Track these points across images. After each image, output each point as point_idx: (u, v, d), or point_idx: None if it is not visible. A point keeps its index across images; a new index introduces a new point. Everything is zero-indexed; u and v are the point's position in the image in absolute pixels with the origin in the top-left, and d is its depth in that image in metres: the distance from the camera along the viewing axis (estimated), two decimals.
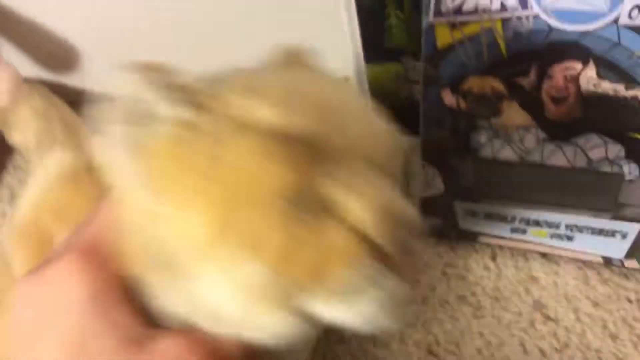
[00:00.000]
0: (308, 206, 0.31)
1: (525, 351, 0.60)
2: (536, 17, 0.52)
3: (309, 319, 0.34)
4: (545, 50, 0.53)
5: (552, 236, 0.63)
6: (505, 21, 0.53)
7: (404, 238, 0.33)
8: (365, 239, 0.32)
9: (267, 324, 0.34)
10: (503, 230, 0.65)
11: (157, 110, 0.31)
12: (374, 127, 0.39)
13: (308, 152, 0.31)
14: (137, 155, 0.31)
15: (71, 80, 0.92)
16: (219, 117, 0.31)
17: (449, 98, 0.59)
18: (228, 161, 0.30)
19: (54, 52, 0.88)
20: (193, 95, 0.32)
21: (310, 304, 0.33)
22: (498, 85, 0.56)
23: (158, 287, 0.33)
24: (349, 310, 0.33)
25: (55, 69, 0.91)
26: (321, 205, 0.32)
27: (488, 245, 0.67)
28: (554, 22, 0.52)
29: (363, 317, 0.34)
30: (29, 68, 0.89)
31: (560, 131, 0.57)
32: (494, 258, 0.67)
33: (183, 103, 0.31)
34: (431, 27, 0.56)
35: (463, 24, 0.55)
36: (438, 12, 0.55)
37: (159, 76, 0.31)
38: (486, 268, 0.66)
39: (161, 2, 0.80)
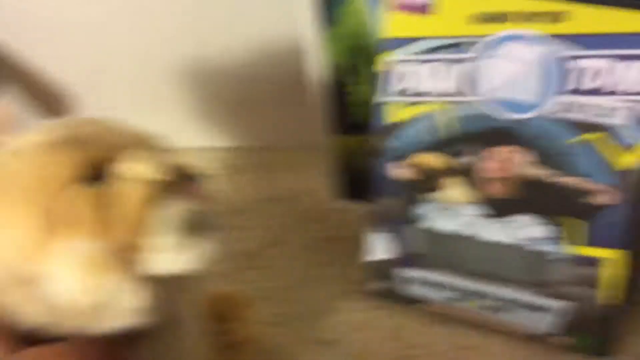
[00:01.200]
0: (96, 180, 0.41)
1: None
2: (475, 103, 0.58)
3: (150, 279, 0.41)
4: (484, 134, 0.59)
5: (481, 308, 0.67)
6: (448, 105, 0.59)
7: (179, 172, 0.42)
8: (147, 184, 0.41)
9: (117, 296, 0.40)
10: (443, 297, 0.69)
11: None
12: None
13: (79, 146, 0.41)
14: None
15: None
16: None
17: (395, 171, 0.65)
18: (20, 171, 0.40)
19: (50, 98, 0.94)
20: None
21: (141, 260, 0.40)
22: (438, 162, 0.62)
23: (17, 307, 0.41)
24: (170, 247, 0.41)
25: (50, 114, 0.97)
26: (107, 177, 0.41)
27: (428, 311, 0.71)
28: (492, 110, 0.58)
29: (183, 248, 0.41)
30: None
31: (495, 209, 0.62)
32: (431, 324, 0.71)
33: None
34: (380, 104, 0.62)
35: (410, 104, 0.61)
36: (387, 92, 0.61)
37: None
38: (423, 333, 0.70)
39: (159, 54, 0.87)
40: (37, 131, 0.43)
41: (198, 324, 0.53)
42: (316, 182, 0.90)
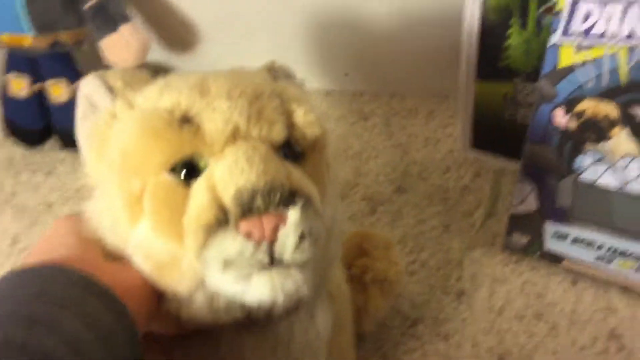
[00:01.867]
0: (189, 173, 0.38)
1: None
2: None
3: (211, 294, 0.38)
4: None
5: (638, 269, 0.64)
6: (630, 49, 0.55)
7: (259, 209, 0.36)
8: (222, 208, 0.36)
9: (188, 298, 0.39)
10: (588, 256, 0.66)
11: (100, 107, 0.42)
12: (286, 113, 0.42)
13: (189, 130, 0.38)
14: (86, 140, 0.42)
15: (185, 63, 0.97)
16: (131, 107, 0.41)
17: (560, 117, 0.61)
18: (123, 139, 0.39)
19: (177, 32, 0.94)
20: (123, 93, 0.42)
21: (202, 271, 0.37)
22: (612, 111, 0.59)
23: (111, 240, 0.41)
24: (228, 279, 0.36)
25: (175, 49, 0.96)
26: (196, 175, 0.38)
27: (570, 270, 0.68)
28: None
29: (242, 284, 0.37)
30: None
31: None
32: (574, 283, 0.68)
33: (113, 99, 0.41)
34: (556, 46, 0.58)
35: (589, 47, 0.57)
36: (566, 32, 0.58)
37: (106, 80, 0.42)
38: (565, 291, 0.68)
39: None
40: (156, 92, 0.41)
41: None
42: (451, 131, 0.87)
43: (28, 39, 0.80)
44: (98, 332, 0.33)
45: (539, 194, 0.66)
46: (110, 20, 0.79)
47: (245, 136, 0.39)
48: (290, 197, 0.36)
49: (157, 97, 0.40)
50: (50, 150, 0.89)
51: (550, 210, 0.66)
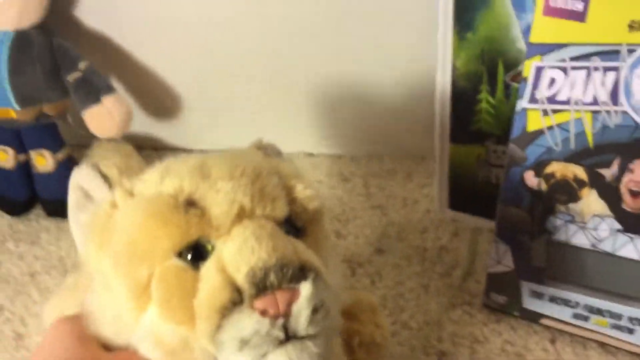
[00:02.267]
0: (195, 256, 0.38)
1: None
2: (624, 113, 0.57)
3: None
4: (629, 145, 0.57)
5: (613, 327, 0.65)
6: (595, 114, 0.58)
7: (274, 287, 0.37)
8: (236, 288, 0.36)
9: None
10: (565, 315, 0.67)
11: (96, 197, 0.42)
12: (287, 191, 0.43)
13: (195, 214, 0.38)
14: (84, 229, 0.42)
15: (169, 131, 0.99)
16: (132, 195, 0.41)
17: (530, 180, 0.63)
18: (128, 227, 0.39)
19: (160, 98, 0.96)
20: (120, 182, 0.42)
21: (216, 353, 0.37)
22: (581, 172, 0.61)
23: (111, 338, 0.42)
24: (245, 359, 0.36)
25: (159, 114, 0.98)
26: (203, 258, 0.38)
27: (548, 327, 0.69)
28: None
29: None
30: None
31: (634, 224, 0.60)
32: (553, 341, 0.69)
33: (110, 189, 0.42)
34: (524, 111, 0.61)
35: (555, 111, 0.60)
36: (532, 98, 0.60)
37: (101, 170, 0.43)
38: (545, 350, 0.68)
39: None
40: (156, 178, 0.41)
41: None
42: (428, 191, 0.89)
43: (12, 112, 0.82)
44: None
45: (514, 254, 0.67)
46: (93, 91, 0.81)
47: (250, 215, 0.39)
48: (300, 271, 0.37)
49: (158, 182, 0.40)
50: (35, 220, 0.90)
51: (526, 269, 0.67)
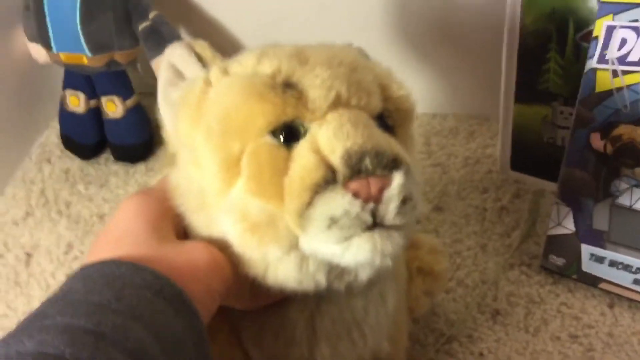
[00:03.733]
0: (288, 136, 0.39)
1: None
2: None
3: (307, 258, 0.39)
4: None
5: None
6: None
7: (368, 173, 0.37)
8: (330, 168, 0.37)
9: (275, 263, 0.40)
10: (625, 280, 0.66)
11: (188, 75, 0.43)
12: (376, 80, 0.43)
13: (292, 95, 0.39)
14: (176, 105, 0.42)
15: None
16: (227, 73, 0.42)
17: (597, 142, 0.62)
18: (224, 102, 0.40)
19: (227, 53, 0.97)
20: (214, 61, 0.43)
21: (299, 237, 0.38)
22: None
23: (193, 219, 0.43)
24: (331, 238, 0.37)
25: None
26: (296, 139, 0.39)
27: (607, 292, 0.69)
28: None
29: (344, 244, 0.37)
30: None
31: None
32: (611, 306, 0.69)
33: (206, 67, 0.43)
34: (593, 72, 0.59)
35: (625, 72, 0.58)
36: (602, 59, 0.59)
37: (197, 50, 0.44)
38: (602, 314, 0.68)
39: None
40: (253, 60, 0.41)
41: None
42: (491, 152, 0.88)
43: (84, 58, 0.85)
44: (166, 342, 0.34)
45: (575, 217, 0.66)
46: (162, 41, 0.82)
47: (346, 104, 0.40)
48: (393, 161, 0.38)
49: (255, 63, 0.41)
50: (104, 164, 0.93)
51: (587, 233, 0.66)
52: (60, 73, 0.92)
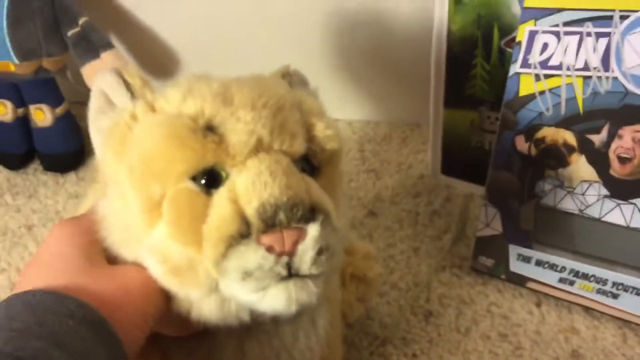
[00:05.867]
0: (209, 181, 0.39)
1: None
2: (615, 79, 0.57)
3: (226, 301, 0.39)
4: (619, 111, 0.58)
5: (598, 291, 0.66)
6: (586, 79, 0.58)
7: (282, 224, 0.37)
8: (245, 221, 0.37)
9: (198, 303, 0.40)
10: (551, 278, 0.68)
11: (118, 104, 0.42)
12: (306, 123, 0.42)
13: (213, 140, 0.38)
14: (104, 135, 0.42)
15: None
16: (152, 109, 0.41)
17: (522, 144, 0.64)
18: (145, 144, 0.39)
19: (158, 59, 0.96)
20: (143, 93, 0.42)
21: (218, 280, 0.38)
22: (570, 138, 0.61)
23: (121, 252, 0.42)
24: (245, 289, 0.37)
25: (156, 75, 0.98)
26: (216, 184, 0.39)
27: (534, 291, 0.71)
28: (631, 86, 0.57)
29: (256, 294, 0.38)
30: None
31: (621, 190, 0.61)
32: (538, 304, 0.70)
33: (133, 99, 0.42)
34: (516, 76, 0.61)
35: (547, 76, 0.60)
36: (525, 63, 0.61)
37: (125, 79, 0.42)
38: (530, 312, 0.70)
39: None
40: (179, 97, 0.40)
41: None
42: (423, 157, 0.90)
43: (11, 65, 0.82)
44: None
45: (502, 218, 0.68)
46: (92, 47, 0.81)
47: (267, 148, 0.39)
48: (310, 212, 0.38)
49: (180, 102, 0.40)
50: (32, 174, 0.91)
51: (514, 233, 0.68)
52: None
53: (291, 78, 0.49)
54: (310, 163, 0.42)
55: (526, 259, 0.69)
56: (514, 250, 0.69)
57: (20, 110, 0.89)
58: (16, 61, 0.82)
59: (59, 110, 0.88)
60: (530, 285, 0.70)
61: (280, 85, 0.44)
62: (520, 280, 0.70)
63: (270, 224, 0.37)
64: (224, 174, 0.39)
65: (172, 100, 0.41)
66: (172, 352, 0.46)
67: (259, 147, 0.39)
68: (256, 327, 0.44)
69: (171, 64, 0.96)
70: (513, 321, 0.69)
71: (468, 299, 0.72)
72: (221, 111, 0.39)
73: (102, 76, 0.43)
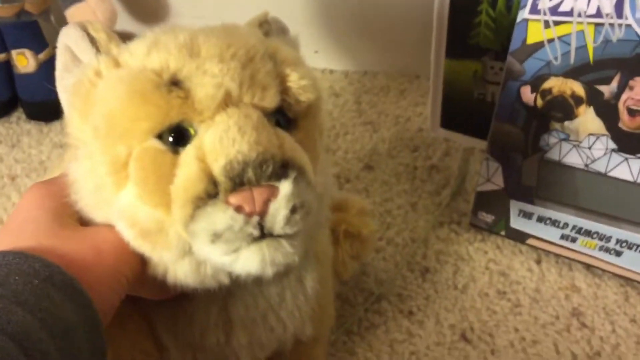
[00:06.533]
0: (177, 139, 0.37)
1: (557, 351, 0.61)
2: (628, 27, 0.54)
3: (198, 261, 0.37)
4: (631, 61, 0.55)
5: (601, 249, 0.64)
6: (597, 26, 0.55)
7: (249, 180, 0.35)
8: (212, 180, 0.35)
9: (171, 265, 0.38)
10: (553, 235, 0.66)
11: (83, 60, 0.40)
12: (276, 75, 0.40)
13: (178, 95, 0.36)
14: (69, 94, 0.40)
15: None
16: (116, 65, 0.39)
17: (527, 95, 0.61)
18: (108, 102, 0.37)
19: (147, 3, 0.92)
20: (107, 47, 0.40)
21: (189, 240, 0.36)
22: (578, 89, 0.59)
23: (93, 216, 0.40)
24: (216, 251, 0.35)
25: (146, 20, 0.95)
26: (184, 142, 0.37)
27: (535, 248, 0.69)
28: None
29: (228, 256, 0.36)
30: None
31: (629, 144, 0.58)
32: (538, 262, 0.69)
33: (99, 54, 0.39)
34: (524, 22, 0.58)
35: (556, 23, 0.57)
36: (534, 9, 0.57)
37: (91, 33, 0.40)
38: (529, 270, 0.68)
39: None
40: (143, 50, 0.38)
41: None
42: (421, 110, 0.87)
43: None
44: (54, 328, 0.32)
45: (504, 173, 0.66)
46: None
47: (236, 102, 0.37)
48: (282, 168, 0.35)
49: (145, 55, 0.38)
50: (16, 122, 0.88)
51: (516, 188, 0.66)
52: None
53: (269, 26, 0.46)
54: (286, 116, 0.40)
55: (527, 215, 0.66)
56: (515, 205, 0.67)
57: (2, 56, 0.85)
58: None
59: (43, 55, 0.85)
60: (531, 242, 0.68)
61: (253, 34, 0.41)
62: (520, 237, 0.68)
63: (238, 182, 0.34)
64: (192, 131, 0.37)
65: (136, 55, 0.38)
66: (154, 315, 0.44)
67: (227, 101, 0.37)
68: (240, 288, 0.42)
69: (161, 9, 0.92)
70: (512, 278, 0.68)
71: (466, 256, 0.70)
72: (187, 64, 0.37)
73: (65, 31, 0.40)
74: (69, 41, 0.40)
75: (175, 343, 0.44)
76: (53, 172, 0.50)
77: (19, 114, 0.88)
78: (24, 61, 0.84)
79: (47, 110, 0.86)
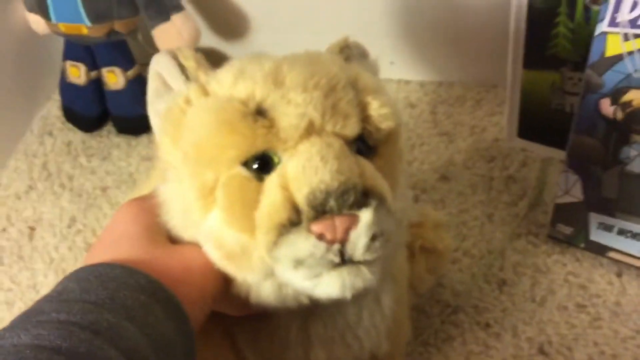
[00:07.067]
0: (261, 167, 0.38)
1: None
2: None
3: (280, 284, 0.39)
4: None
5: None
6: None
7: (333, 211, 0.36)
8: (295, 208, 0.36)
9: (255, 287, 0.40)
10: (634, 248, 0.65)
11: (173, 87, 0.42)
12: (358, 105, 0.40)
13: (263, 125, 0.38)
14: (160, 119, 0.42)
15: (235, 49, 0.99)
16: (205, 93, 0.40)
17: (606, 108, 0.60)
18: (197, 130, 0.39)
19: (228, 21, 0.95)
20: (196, 75, 0.42)
21: (273, 266, 0.37)
22: None
23: (181, 235, 0.42)
24: (298, 276, 0.37)
25: (226, 37, 0.98)
26: (269, 169, 0.38)
27: (615, 261, 0.68)
28: None
29: (310, 280, 0.37)
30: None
31: None
32: (619, 274, 0.68)
33: (188, 82, 0.41)
34: (603, 35, 0.58)
35: (636, 36, 0.56)
36: (613, 22, 0.57)
37: (181, 61, 0.42)
38: (610, 283, 0.67)
39: None
40: (230, 79, 0.40)
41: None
42: (498, 120, 0.87)
43: (84, 28, 0.83)
44: (157, 344, 0.35)
45: (584, 185, 0.65)
46: (163, 9, 0.81)
47: (319, 131, 0.38)
48: (363, 197, 0.36)
49: (232, 84, 0.39)
50: (106, 136, 0.92)
51: (596, 201, 0.65)
52: (60, 44, 0.91)
53: (350, 51, 0.47)
54: (367, 144, 0.41)
55: (608, 228, 0.66)
56: (594, 218, 0.66)
57: (93, 73, 0.90)
58: (88, 23, 0.83)
59: (131, 73, 0.89)
60: (611, 254, 0.67)
61: (334, 62, 0.42)
62: (600, 250, 0.68)
63: (320, 211, 0.36)
64: (276, 159, 0.38)
65: (224, 83, 0.40)
66: (236, 331, 0.46)
67: (310, 130, 0.38)
68: (319, 307, 0.43)
69: (242, 26, 0.95)
70: (592, 291, 0.67)
71: (544, 268, 0.69)
72: (272, 94, 0.38)
73: (157, 58, 0.43)
74: (160, 68, 0.43)
75: (256, 358, 0.46)
76: (141, 187, 0.53)
77: (109, 128, 0.93)
78: (114, 78, 0.88)
79: (136, 124, 0.90)
